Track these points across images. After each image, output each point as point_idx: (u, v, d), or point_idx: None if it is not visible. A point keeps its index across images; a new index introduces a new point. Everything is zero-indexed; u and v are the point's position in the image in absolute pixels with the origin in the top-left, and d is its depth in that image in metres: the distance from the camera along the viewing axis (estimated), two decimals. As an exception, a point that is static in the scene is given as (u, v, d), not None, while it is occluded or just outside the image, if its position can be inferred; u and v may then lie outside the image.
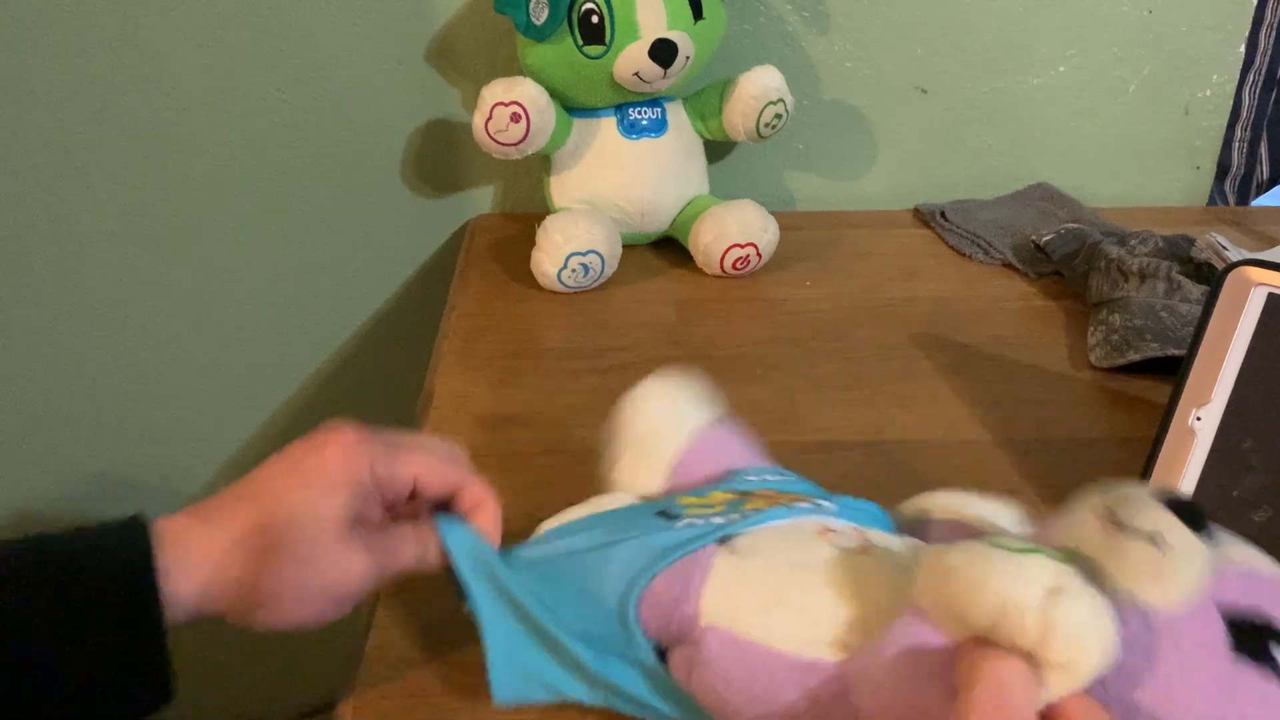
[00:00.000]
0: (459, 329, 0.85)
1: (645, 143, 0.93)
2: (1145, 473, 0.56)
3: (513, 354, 0.82)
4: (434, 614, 0.54)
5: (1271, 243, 0.97)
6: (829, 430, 0.72)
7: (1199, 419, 0.55)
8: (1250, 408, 0.54)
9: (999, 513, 0.49)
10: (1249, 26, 1.04)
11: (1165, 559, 0.34)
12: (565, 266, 0.87)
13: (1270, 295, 0.55)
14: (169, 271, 1.10)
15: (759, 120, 0.93)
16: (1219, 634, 0.34)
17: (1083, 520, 0.36)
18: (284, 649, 1.27)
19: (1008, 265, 0.96)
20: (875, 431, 0.72)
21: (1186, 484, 0.55)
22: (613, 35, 0.86)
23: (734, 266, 0.92)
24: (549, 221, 0.88)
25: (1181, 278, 0.80)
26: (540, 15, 0.85)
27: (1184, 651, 0.34)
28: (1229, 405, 0.54)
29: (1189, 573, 0.35)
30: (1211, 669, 0.34)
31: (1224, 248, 0.83)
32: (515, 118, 0.87)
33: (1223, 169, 1.13)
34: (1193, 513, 0.35)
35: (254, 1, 0.99)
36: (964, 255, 0.98)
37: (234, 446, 1.21)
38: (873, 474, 0.67)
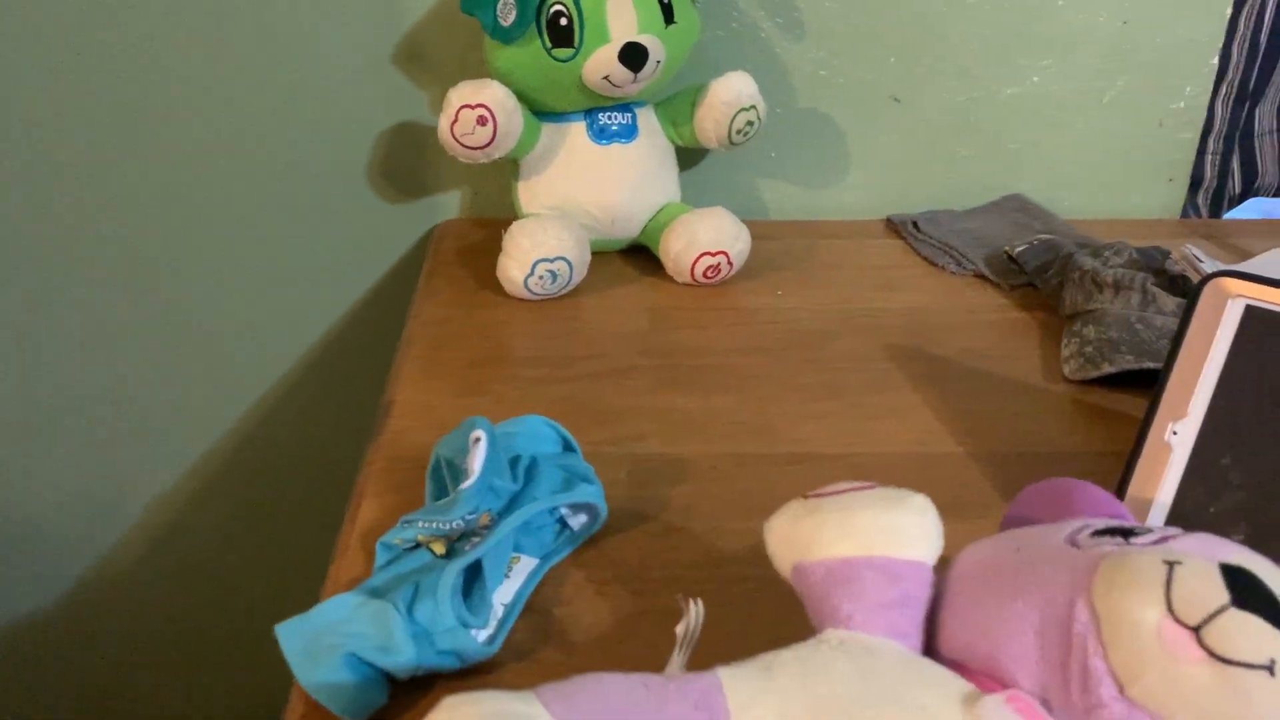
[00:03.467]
0: (423, 337, 0.83)
1: (615, 148, 0.92)
2: (1121, 487, 0.55)
3: (478, 362, 0.80)
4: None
5: (1243, 255, 0.96)
6: (802, 442, 0.71)
7: (1175, 433, 0.54)
8: (1228, 422, 0.53)
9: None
10: (1222, 39, 1.04)
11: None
12: (532, 273, 0.85)
13: (1248, 307, 0.54)
14: (130, 277, 1.07)
15: (731, 127, 0.92)
16: None
17: (1177, 668, 0.34)
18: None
19: (980, 276, 0.95)
20: (848, 444, 0.71)
21: (1163, 499, 0.53)
22: (582, 38, 0.84)
23: (705, 275, 0.90)
24: (516, 227, 0.87)
25: (1156, 289, 0.79)
26: (508, 17, 0.83)
27: None
28: (1206, 419, 0.53)
29: None
30: None
31: (1199, 260, 0.82)
32: (482, 121, 0.85)
33: (1195, 182, 1.12)
34: (1271, 603, 0.34)
35: (216, 5, 0.97)
36: (937, 266, 0.97)
37: (197, 452, 1.19)
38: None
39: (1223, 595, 0.34)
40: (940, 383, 0.78)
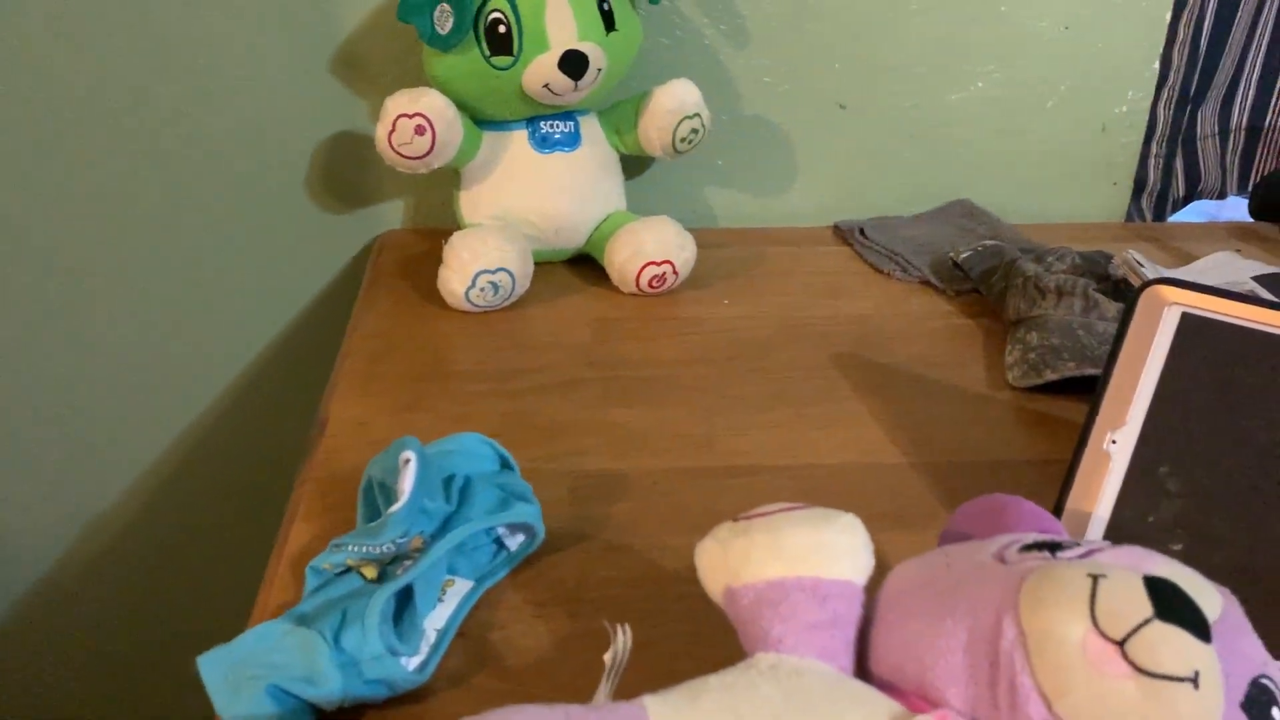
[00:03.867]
0: (361, 350, 0.82)
1: (558, 157, 0.91)
2: (1060, 497, 0.55)
3: (418, 376, 0.78)
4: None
5: (1188, 258, 0.97)
6: (747, 454, 0.70)
7: (1114, 442, 0.53)
8: (1166, 431, 0.53)
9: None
10: (1163, 43, 1.05)
11: (1204, 693, 0.33)
12: (474, 285, 0.84)
13: (1184, 315, 0.54)
14: (62, 292, 1.04)
15: (675, 135, 0.91)
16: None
17: (1103, 683, 0.34)
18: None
19: (926, 283, 0.95)
20: (794, 455, 0.70)
21: (1102, 510, 0.53)
22: (521, 46, 0.83)
23: (650, 285, 0.89)
24: (456, 238, 0.85)
25: (1099, 295, 0.79)
26: (445, 24, 0.82)
27: None
28: (1144, 428, 0.53)
29: (1219, 691, 0.33)
30: None
31: (1140, 264, 0.82)
32: (420, 130, 0.83)
33: (1139, 185, 1.13)
34: (1195, 614, 0.34)
35: (152, 13, 0.94)
36: (883, 273, 0.96)
37: (136, 472, 1.16)
38: (790, 500, 0.64)
39: (1146, 608, 0.34)
40: (885, 391, 0.77)
